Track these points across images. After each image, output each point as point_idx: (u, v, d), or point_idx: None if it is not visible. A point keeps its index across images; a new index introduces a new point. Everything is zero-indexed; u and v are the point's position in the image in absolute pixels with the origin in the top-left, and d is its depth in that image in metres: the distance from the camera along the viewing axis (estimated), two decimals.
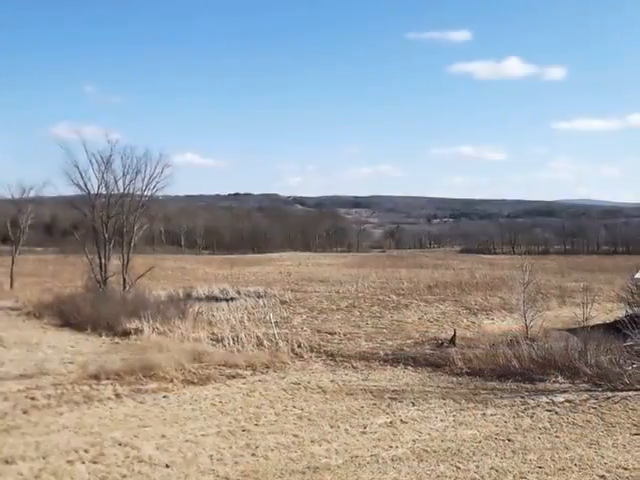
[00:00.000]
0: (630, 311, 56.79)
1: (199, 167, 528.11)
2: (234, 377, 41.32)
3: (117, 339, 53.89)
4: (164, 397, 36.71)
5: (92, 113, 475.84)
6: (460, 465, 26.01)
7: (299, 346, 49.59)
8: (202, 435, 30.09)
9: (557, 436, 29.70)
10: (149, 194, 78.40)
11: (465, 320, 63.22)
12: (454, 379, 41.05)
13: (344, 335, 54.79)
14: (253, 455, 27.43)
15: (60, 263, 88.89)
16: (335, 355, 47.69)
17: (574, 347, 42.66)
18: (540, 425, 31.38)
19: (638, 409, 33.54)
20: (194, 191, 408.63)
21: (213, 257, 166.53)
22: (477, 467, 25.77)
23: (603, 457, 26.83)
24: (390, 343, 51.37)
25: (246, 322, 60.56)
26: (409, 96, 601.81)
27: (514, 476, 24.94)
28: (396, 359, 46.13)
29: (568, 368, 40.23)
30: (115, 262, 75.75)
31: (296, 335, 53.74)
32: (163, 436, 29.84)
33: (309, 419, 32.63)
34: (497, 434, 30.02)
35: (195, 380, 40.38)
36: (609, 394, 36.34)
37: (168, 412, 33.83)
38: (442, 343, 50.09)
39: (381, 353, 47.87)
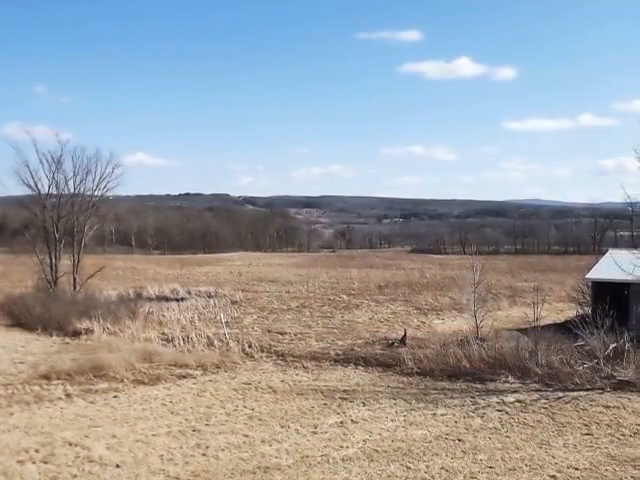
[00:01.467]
0: (581, 311, 57.63)
1: (149, 167, 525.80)
2: (185, 377, 41.55)
3: (68, 339, 53.76)
4: (115, 397, 36.85)
5: (43, 113, 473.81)
6: (410, 465, 26.24)
7: (250, 346, 49.83)
8: (153, 435, 30.21)
9: (508, 436, 30.05)
10: (100, 194, 78.72)
11: (416, 320, 63.51)
12: (405, 379, 41.36)
13: (295, 335, 55.07)
14: (204, 455, 27.61)
15: (10, 263, 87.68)
16: (286, 355, 47.97)
17: (525, 347, 43.11)
18: (490, 425, 31.73)
19: (589, 409, 34.04)
20: (145, 191, 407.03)
21: (164, 257, 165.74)
22: (427, 467, 26.00)
23: (554, 457, 27.19)
24: (341, 343, 51.62)
25: (197, 322, 60.82)
26: (360, 96, 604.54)
27: (464, 476, 25.19)
28: (347, 359, 46.46)
29: (519, 368, 40.66)
30: (66, 262, 75.34)
31: (247, 335, 54.05)
32: (114, 436, 29.91)
33: (260, 419, 32.85)
34: (447, 434, 30.31)
35: (146, 380, 40.51)
36: (560, 394, 36.85)
37: (119, 412, 33.91)
38: (393, 343, 50.32)
39: (332, 353, 48.16)
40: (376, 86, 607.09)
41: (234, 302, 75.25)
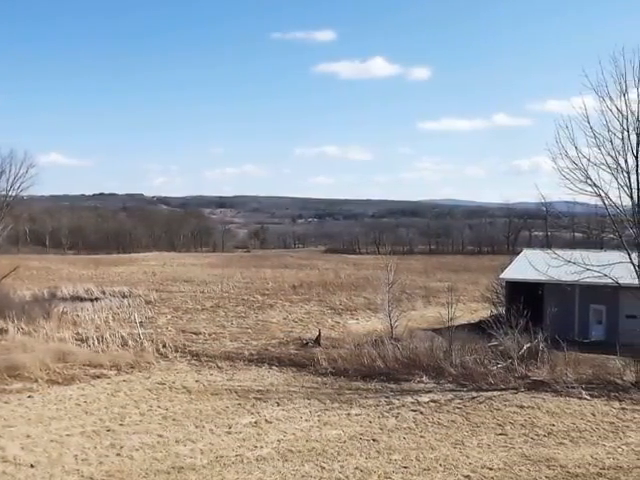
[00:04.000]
0: (495, 311, 58.56)
1: (64, 167, 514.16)
2: (99, 377, 41.62)
3: None
4: (29, 397, 36.75)
5: None
6: (325, 465, 26.42)
7: (164, 346, 49.82)
8: (67, 435, 30.16)
9: (422, 436, 30.40)
10: (14, 194, 76.78)
11: (330, 320, 63.90)
12: (319, 379, 41.63)
13: (209, 335, 55.20)
14: (118, 455, 27.65)
15: None
16: (200, 355, 48.08)
17: (439, 347, 43.70)
18: (405, 425, 32.07)
19: (503, 409, 34.63)
20: (59, 191, 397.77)
21: (78, 257, 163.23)
22: (342, 467, 26.18)
23: (468, 457, 27.59)
24: (255, 343, 51.81)
25: (111, 322, 60.48)
26: (274, 96, 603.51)
27: (379, 476, 25.41)
28: (261, 359, 46.70)
29: (433, 368, 41.17)
30: None
31: (161, 335, 54.04)
32: (28, 436, 29.81)
33: (174, 419, 32.94)
34: (362, 434, 30.55)
35: (60, 380, 40.43)
36: (474, 394, 37.42)
37: (33, 412, 33.78)
38: (307, 343, 50.52)
39: (246, 353, 48.32)
40: (290, 86, 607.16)
41: (148, 302, 75.11)
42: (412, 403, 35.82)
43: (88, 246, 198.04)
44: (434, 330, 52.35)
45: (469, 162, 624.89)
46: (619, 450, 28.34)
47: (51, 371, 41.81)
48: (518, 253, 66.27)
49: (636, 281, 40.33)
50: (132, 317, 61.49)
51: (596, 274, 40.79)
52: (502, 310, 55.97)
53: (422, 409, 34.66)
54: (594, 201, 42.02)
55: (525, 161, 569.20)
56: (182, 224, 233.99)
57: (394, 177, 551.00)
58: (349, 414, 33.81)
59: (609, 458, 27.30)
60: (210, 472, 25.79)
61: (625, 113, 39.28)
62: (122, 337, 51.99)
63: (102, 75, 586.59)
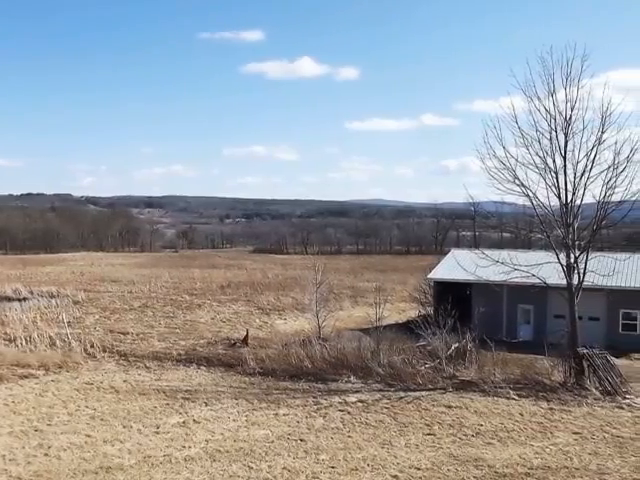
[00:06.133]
0: (423, 311, 58.97)
1: None
2: (26, 377, 41.42)
3: None
4: None
5: None
6: (253, 465, 26.42)
7: (92, 346, 49.61)
8: None
9: (350, 436, 30.47)
10: None
11: (258, 320, 63.91)
12: (247, 379, 41.63)
13: (137, 335, 54.99)
14: (46, 455, 27.64)
15: None
16: (128, 355, 48.02)
17: (367, 347, 43.84)
18: (333, 425, 32.12)
19: (431, 409, 34.84)
20: None
21: (5, 257, 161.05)
22: (270, 467, 26.20)
23: (396, 457, 27.71)
24: (183, 343, 51.75)
25: (39, 322, 59.87)
26: (201, 96, 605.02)
27: (307, 476, 25.43)
28: (189, 359, 46.71)
29: (361, 368, 41.30)
30: None
31: (89, 335, 53.65)
32: None
33: (102, 419, 32.87)
34: (289, 434, 30.58)
35: None
36: (402, 394, 37.61)
37: None
38: (235, 343, 50.43)
39: (174, 353, 48.28)
40: (219, 86, 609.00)
41: (76, 302, 74.46)
42: (340, 403, 35.89)
43: (16, 246, 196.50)
44: (362, 330, 52.49)
45: (397, 162, 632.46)
46: (547, 450, 28.68)
47: None
48: (446, 253, 66.83)
49: (564, 281, 40.91)
50: (60, 317, 61.04)
51: (524, 274, 41.31)
52: (430, 310, 56.42)
53: (350, 409, 34.73)
54: (522, 201, 42.50)
55: (453, 161, 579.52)
56: (110, 224, 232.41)
57: (322, 177, 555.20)
58: (277, 414, 33.81)
59: (537, 458, 27.62)
60: (138, 472, 25.77)
61: (553, 113, 39.86)
62: (50, 337, 51.78)
63: (28, 76, 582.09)
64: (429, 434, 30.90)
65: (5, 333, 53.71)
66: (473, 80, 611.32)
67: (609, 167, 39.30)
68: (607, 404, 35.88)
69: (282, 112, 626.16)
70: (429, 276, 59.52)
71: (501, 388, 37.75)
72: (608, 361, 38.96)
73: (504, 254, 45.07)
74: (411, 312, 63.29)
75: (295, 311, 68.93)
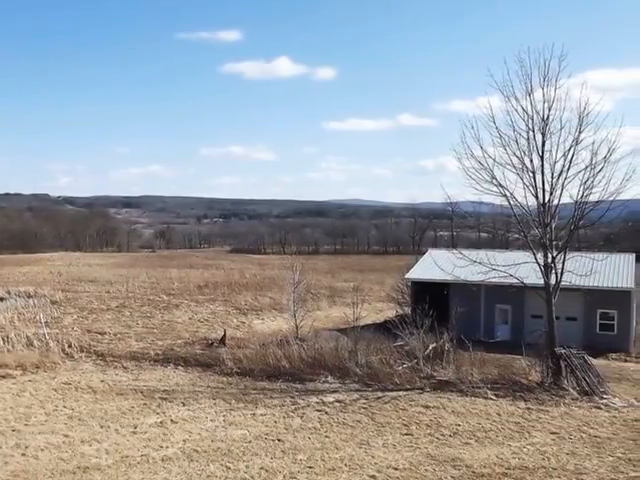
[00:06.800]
0: (401, 311, 59.05)
1: None
2: (4, 377, 41.36)
3: None
4: None
5: None
6: (230, 465, 26.42)
7: (70, 346, 49.49)
8: None
9: (327, 436, 30.50)
10: None
11: (235, 320, 63.83)
12: (224, 379, 41.65)
13: (114, 335, 54.93)
14: (23, 455, 27.67)
15: None
16: (105, 355, 47.98)
17: (344, 347, 43.88)
18: (310, 425, 32.15)
19: (408, 409, 34.89)
20: None
21: None
22: (247, 467, 26.20)
23: (373, 457, 27.73)
24: (160, 343, 51.73)
25: (16, 322, 59.63)
26: (179, 96, 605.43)
27: (284, 476, 25.44)
28: (166, 359, 46.72)
29: (338, 368, 41.34)
30: None
31: (67, 335, 53.52)
32: None
33: (79, 419, 32.88)
34: (267, 434, 30.59)
35: None
36: (379, 394, 37.67)
37: None
38: (212, 343, 50.41)
39: (152, 353, 48.27)
40: (196, 86, 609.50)
41: (54, 302, 74.00)
42: (317, 403, 35.92)
43: None
44: (339, 330, 52.61)
45: (375, 162, 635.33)
46: (524, 450, 28.76)
47: None
48: (424, 253, 67.00)
49: (541, 281, 41.06)
50: (37, 317, 60.49)
51: (502, 274, 41.38)
52: (408, 310, 56.48)
53: (327, 409, 34.76)
54: (500, 201, 42.40)
55: (431, 161, 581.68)
56: (88, 224, 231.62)
57: (300, 177, 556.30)
58: (254, 414, 33.79)
59: (515, 458, 27.68)
60: (116, 472, 25.77)
61: (531, 113, 39.93)
62: (27, 337, 51.56)
63: (2, 77, 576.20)
64: (407, 434, 30.93)
65: None
66: (451, 80, 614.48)
67: (586, 167, 39.38)
68: (584, 404, 36.00)
69: (259, 112, 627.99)
70: (407, 276, 59.61)
71: (479, 388, 37.86)
72: (586, 361, 39.11)
73: (482, 254, 45.19)
74: (389, 312, 63.40)
75: (273, 311, 68.87)
